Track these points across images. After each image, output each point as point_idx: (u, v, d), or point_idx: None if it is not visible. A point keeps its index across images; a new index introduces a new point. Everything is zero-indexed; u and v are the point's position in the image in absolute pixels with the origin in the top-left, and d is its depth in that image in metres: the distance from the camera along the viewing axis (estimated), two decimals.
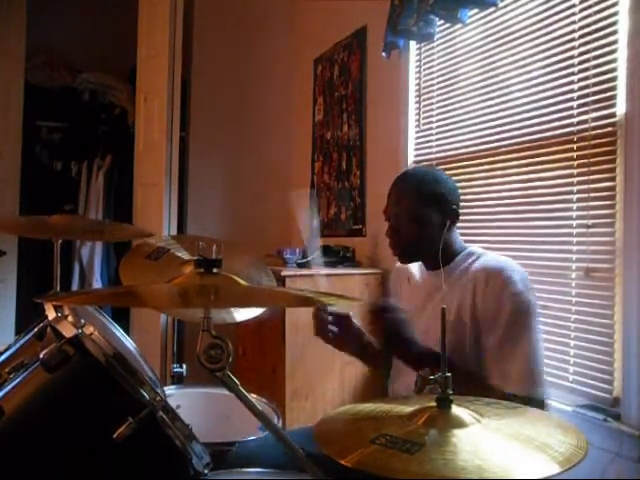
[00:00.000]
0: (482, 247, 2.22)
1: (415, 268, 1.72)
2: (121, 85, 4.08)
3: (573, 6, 1.94)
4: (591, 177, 1.85)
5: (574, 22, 1.93)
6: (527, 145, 2.10)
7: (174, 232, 3.25)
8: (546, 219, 2.02)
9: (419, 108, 2.74)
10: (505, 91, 2.21)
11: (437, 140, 2.63)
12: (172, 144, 3.24)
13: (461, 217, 2.33)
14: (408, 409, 0.91)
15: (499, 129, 2.24)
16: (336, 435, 0.90)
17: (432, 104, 2.66)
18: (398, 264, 1.80)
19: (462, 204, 2.34)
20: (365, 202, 3.10)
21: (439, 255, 1.55)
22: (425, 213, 1.55)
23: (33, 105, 3.71)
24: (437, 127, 2.63)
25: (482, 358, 1.47)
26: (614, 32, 1.80)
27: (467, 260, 1.57)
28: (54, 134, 4.04)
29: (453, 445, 0.81)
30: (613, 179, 1.79)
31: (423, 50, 2.72)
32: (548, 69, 2.02)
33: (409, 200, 1.56)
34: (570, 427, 0.89)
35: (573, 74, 1.93)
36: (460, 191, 2.38)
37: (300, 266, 2.82)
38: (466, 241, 2.31)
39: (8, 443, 1.06)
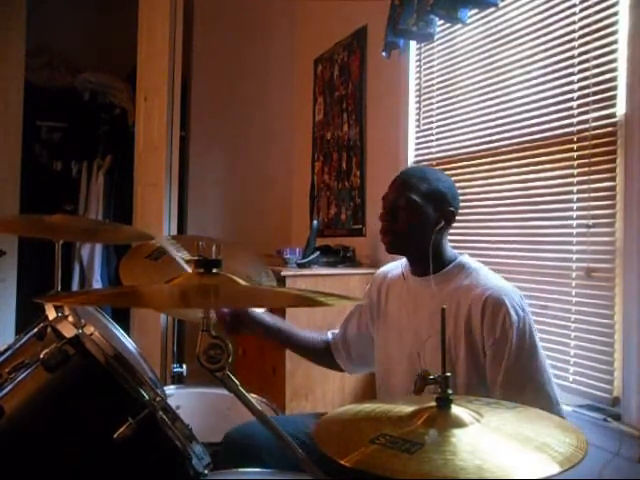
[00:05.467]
0: (482, 247, 2.25)
1: (399, 273, 1.67)
2: (121, 85, 4.07)
3: (573, 6, 1.94)
4: (591, 177, 1.85)
5: (574, 22, 1.93)
6: (527, 145, 2.10)
7: (174, 232, 3.25)
8: (546, 219, 2.02)
9: (419, 108, 2.73)
10: (505, 91, 2.21)
11: (437, 140, 2.63)
12: (172, 144, 3.24)
13: (462, 217, 2.36)
14: (408, 409, 0.91)
15: (499, 129, 2.24)
16: (336, 435, 0.90)
17: (432, 104, 2.66)
18: (380, 270, 1.78)
19: (462, 204, 2.36)
20: (365, 202, 3.10)
21: (429, 256, 1.52)
22: (421, 204, 1.52)
23: (33, 105, 3.71)
24: (437, 127, 2.63)
25: (474, 384, 1.45)
26: (614, 32, 1.80)
27: (460, 273, 1.54)
28: (54, 134, 4.04)
29: (452, 445, 0.81)
30: (613, 179, 1.79)
31: (423, 50, 2.72)
32: (548, 69, 2.02)
33: (410, 190, 1.53)
34: (570, 427, 0.89)
35: (573, 74, 1.93)
36: (460, 191, 2.40)
37: (300, 266, 2.82)
38: (466, 241, 2.34)
39: (8, 443, 1.06)
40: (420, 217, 1.53)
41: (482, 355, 1.44)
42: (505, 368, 1.40)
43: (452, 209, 1.56)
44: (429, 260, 1.52)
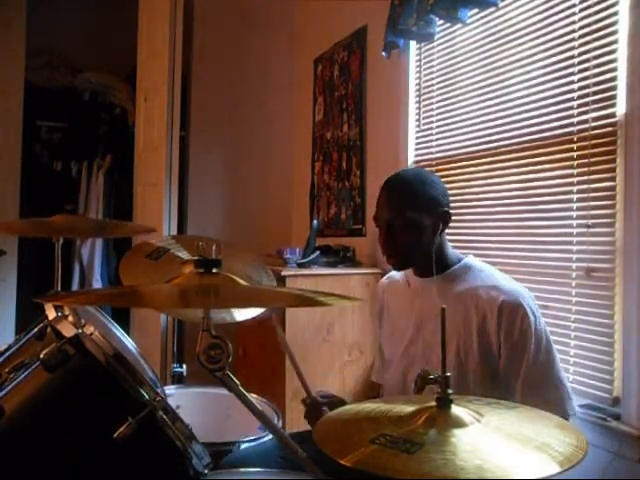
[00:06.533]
0: (482, 247, 2.25)
1: (403, 278, 1.67)
2: (121, 85, 4.08)
3: (573, 6, 1.94)
4: (591, 177, 1.85)
5: (574, 22, 1.93)
6: (527, 145, 2.10)
7: (174, 232, 3.25)
8: (546, 219, 2.02)
9: (419, 108, 2.73)
10: (505, 91, 2.21)
11: (437, 140, 2.63)
12: (172, 144, 3.24)
13: (461, 217, 2.37)
14: (408, 409, 0.91)
15: (499, 129, 2.24)
16: (336, 435, 0.90)
17: (432, 104, 2.66)
18: (385, 277, 1.77)
19: (462, 204, 2.38)
20: (365, 202, 3.10)
21: (433, 258, 1.51)
22: (418, 218, 1.49)
23: (33, 105, 3.71)
24: (437, 127, 2.63)
25: (487, 384, 1.44)
26: (614, 32, 1.80)
27: (467, 274, 1.52)
28: (54, 134, 4.04)
29: (453, 445, 0.81)
30: (613, 179, 1.79)
31: (423, 50, 2.72)
32: (548, 69, 2.02)
33: (401, 207, 1.50)
34: (570, 427, 0.89)
35: (573, 74, 1.93)
36: (460, 191, 2.42)
37: (300, 266, 2.82)
38: (466, 241, 2.34)
39: (8, 443, 1.06)
40: (419, 230, 1.50)
41: (497, 357, 1.44)
42: (526, 370, 1.40)
43: (446, 209, 1.53)
44: (433, 262, 1.51)
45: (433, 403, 0.89)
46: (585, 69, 1.88)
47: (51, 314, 1.20)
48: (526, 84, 2.11)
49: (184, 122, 3.50)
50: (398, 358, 1.63)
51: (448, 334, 1.45)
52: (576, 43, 1.92)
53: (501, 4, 2.17)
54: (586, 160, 1.87)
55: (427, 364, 1.52)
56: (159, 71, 3.30)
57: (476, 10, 2.30)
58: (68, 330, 1.10)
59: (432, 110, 2.66)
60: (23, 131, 3.62)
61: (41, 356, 1.06)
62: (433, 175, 1.63)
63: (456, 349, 1.47)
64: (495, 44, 2.26)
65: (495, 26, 2.27)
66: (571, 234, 1.92)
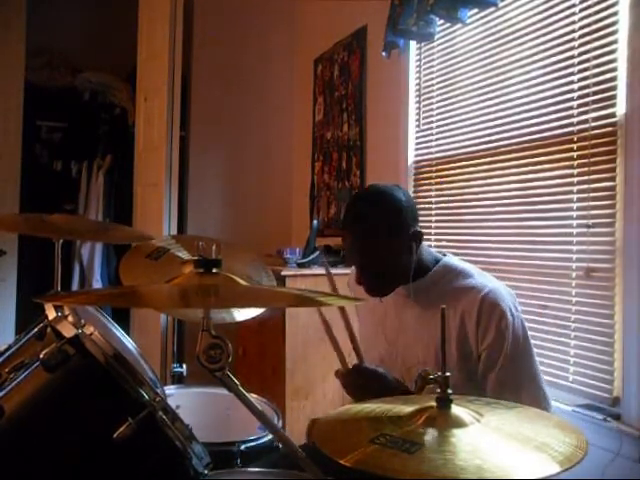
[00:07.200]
0: (481, 247, 2.25)
1: None
2: (121, 85, 4.08)
3: (573, 6, 1.94)
4: (591, 177, 1.85)
5: (574, 22, 1.93)
6: (527, 145, 2.10)
7: (174, 232, 3.26)
8: (546, 219, 2.02)
9: (419, 108, 2.74)
10: (505, 91, 2.21)
11: (437, 140, 2.63)
12: (172, 144, 3.24)
13: (461, 217, 2.37)
14: (408, 409, 0.91)
15: (499, 129, 2.24)
16: (336, 435, 0.90)
17: (432, 104, 2.66)
18: (351, 275, 1.68)
19: (462, 204, 2.38)
20: None
21: (411, 272, 1.47)
22: (390, 251, 1.45)
23: (33, 105, 3.71)
24: (437, 127, 2.63)
25: (465, 385, 1.40)
26: (614, 32, 1.80)
27: (445, 276, 1.49)
28: (54, 134, 4.04)
29: (452, 445, 0.81)
30: (613, 179, 1.79)
31: (423, 50, 2.72)
32: (548, 69, 2.02)
33: (371, 239, 1.45)
34: (570, 427, 0.89)
35: (573, 74, 1.93)
36: (460, 191, 2.42)
37: (300, 266, 2.82)
38: (466, 241, 2.34)
39: (8, 443, 1.06)
40: (396, 261, 1.46)
41: (476, 358, 1.42)
42: (499, 369, 1.38)
43: (417, 229, 1.47)
44: (411, 273, 1.47)
45: (433, 403, 0.89)
46: (585, 69, 1.88)
47: (51, 314, 1.20)
48: (526, 84, 2.11)
49: (184, 122, 3.50)
50: (378, 363, 1.59)
51: (427, 338, 1.45)
52: (576, 43, 1.92)
53: (501, 4, 2.17)
54: (586, 160, 1.87)
55: (408, 370, 1.50)
56: (159, 71, 3.30)
57: (476, 10, 2.30)
58: (68, 330, 1.10)
59: (432, 110, 2.66)
60: (23, 131, 3.62)
61: (41, 356, 1.06)
62: (394, 191, 1.51)
63: (435, 351, 1.45)
64: (495, 44, 2.27)
65: (495, 26, 2.27)
66: (571, 234, 1.92)
